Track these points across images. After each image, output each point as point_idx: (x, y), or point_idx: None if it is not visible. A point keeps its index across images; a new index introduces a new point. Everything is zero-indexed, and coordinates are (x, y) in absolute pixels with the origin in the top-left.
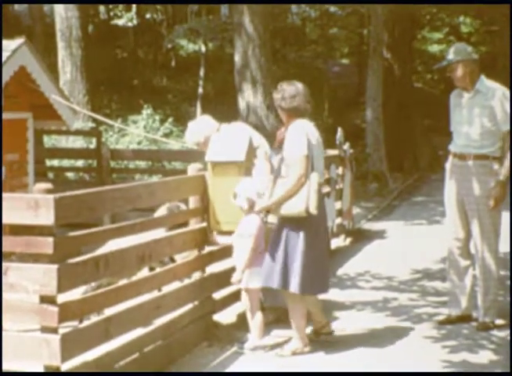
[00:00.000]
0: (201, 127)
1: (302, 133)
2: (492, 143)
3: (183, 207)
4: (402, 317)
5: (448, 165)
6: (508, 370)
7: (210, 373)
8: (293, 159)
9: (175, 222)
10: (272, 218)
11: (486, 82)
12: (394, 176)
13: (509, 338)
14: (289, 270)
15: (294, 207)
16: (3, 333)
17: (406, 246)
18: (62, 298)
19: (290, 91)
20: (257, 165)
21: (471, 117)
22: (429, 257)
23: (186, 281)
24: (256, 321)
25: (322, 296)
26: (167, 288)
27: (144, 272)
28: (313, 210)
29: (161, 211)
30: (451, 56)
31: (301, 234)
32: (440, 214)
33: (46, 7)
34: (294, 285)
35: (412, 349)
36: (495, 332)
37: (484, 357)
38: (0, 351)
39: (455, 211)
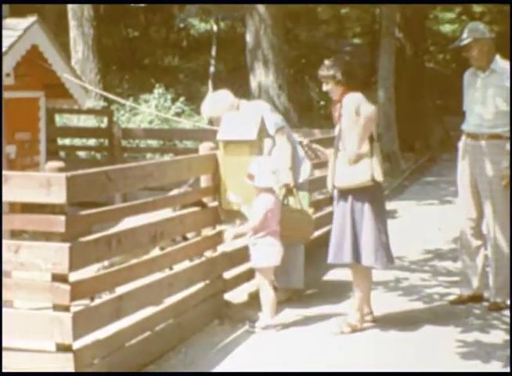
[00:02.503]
0: (221, 101)
1: (357, 104)
2: (505, 123)
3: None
4: (413, 297)
5: (461, 145)
6: None
7: (199, 373)
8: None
9: (188, 200)
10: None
11: (501, 62)
12: (405, 156)
13: None
14: (359, 243)
15: (359, 178)
16: (16, 311)
17: (418, 226)
18: (74, 277)
19: (347, 63)
20: (278, 145)
21: (485, 97)
22: (440, 237)
23: (198, 260)
24: (268, 300)
25: (336, 276)
26: (178, 267)
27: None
28: (378, 177)
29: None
30: (467, 34)
31: (368, 205)
32: (451, 194)
33: None
34: (367, 258)
35: (424, 329)
36: (506, 312)
37: (496, 337)
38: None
39: (467, 191)
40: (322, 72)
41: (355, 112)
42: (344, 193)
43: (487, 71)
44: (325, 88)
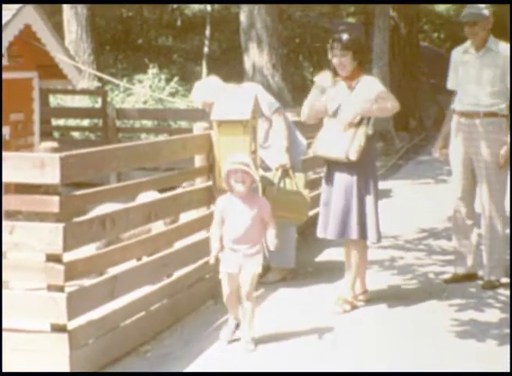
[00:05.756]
0: (209, 87)
1: (382, 91)
2: (501, 101)
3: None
4: (408, 276)
5: (453, 124)
6: None
7: (187, 373)
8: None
9: (183, 180)
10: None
11: (495, 40)
12: (400, 135)
13: None
14: (364, 219)
15: (335, 152)
16: (11, 291)
17: (412, 205)
18: (68, 257)
19: (362, 39)
20: (274, 126)
21: (481, 75)
22: (435, 216)
23: (192, 239)
24: (252, 312)
25: (330, 256)
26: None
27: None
28: (352, 156)
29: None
30: (480, 10)
31: (371, 181)
32: (446, 173)
33: None
34: (372, 235)
35: (419, 308)
36: (501, 290)
37: (491, 315)
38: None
39: (462, 170)
40: (343, 44)
41: (375, 98)
42: (344, 168)
43: (482, 50)
44: (339, 60)
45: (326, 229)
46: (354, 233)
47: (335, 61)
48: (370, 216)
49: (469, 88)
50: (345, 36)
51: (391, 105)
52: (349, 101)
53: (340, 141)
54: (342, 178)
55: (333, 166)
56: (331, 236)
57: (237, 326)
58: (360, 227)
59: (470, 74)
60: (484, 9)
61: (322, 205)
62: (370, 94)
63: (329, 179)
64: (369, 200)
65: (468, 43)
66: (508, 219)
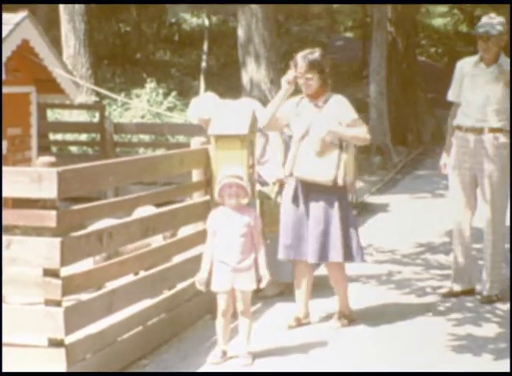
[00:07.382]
0: (205, 103)
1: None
2: (506, 117)
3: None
4: (405, 290)
5: (456, 140)
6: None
7: (190, 373)
8: (357, 120)
9: (179, 195)
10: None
11: (506, 58)
12: (397, 150)
13: None
14: (349, 241)
15: (320, 175)
16: (8, 306)
17: (410, 219)
18: (65, 271)
19: (330, 59)
20: (271, 140)
21: (489, 91)
22: (432, 230)
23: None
24: (249, 328)
25: (324, 270)
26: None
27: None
28: (341, 181)
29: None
30: (499, 26)
31: (345, 201)
32: (443, 187)
33: None
34: (358, 256)
35: (417, 323)
36: (498, 305)
37: (488, 330)
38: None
39: (465, 186)
40: (308, 63)
41: (348, 124)
42: (324, 190)
43: (492, 66)
44: (303, 79)
45: (301, 252)
46: (339, 256)
47: (300, 80)
48: (354, 237)
49: (475, 103)
50: (310, 56)
51: (364, 136)
52: (319, 122)
53: (323, 164)
54: (321, 201)
55: (309, 187)
56: (311, 259)
57: (224, 353)
58: (345, 250)
59: (477, 89)
60: (499, 25)
61: (287, 226)
62: (344, 119)
63: (302, 201)
64: (352, 221)
65: (477, 57)
66: (508, 235)
